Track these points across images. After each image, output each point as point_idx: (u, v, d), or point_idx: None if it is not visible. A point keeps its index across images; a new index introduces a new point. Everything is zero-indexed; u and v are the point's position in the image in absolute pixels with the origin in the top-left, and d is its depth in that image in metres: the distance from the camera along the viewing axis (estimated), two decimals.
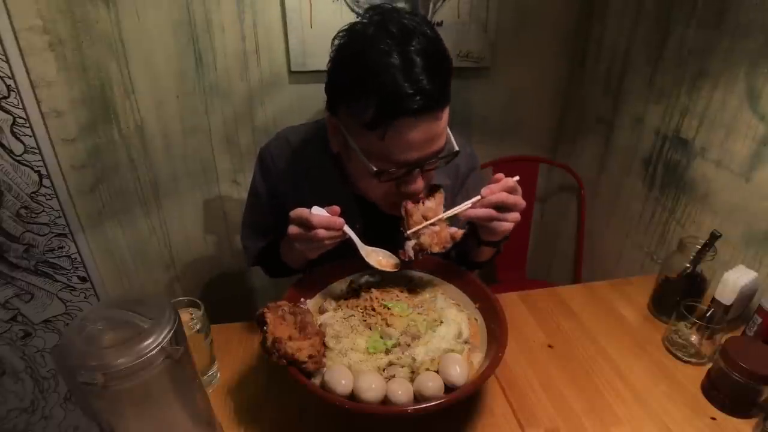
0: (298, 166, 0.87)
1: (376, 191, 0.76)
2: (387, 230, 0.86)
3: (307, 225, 0.68)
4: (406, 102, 0.62)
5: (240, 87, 1.31)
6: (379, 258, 0.79)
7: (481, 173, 1.00)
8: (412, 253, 0.74)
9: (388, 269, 0.78)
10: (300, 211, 0.69)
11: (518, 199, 0.72)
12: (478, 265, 0.99)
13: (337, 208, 0.70)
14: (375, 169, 0.69)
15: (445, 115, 0.68)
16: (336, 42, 0.69)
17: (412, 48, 0.62)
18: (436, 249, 0.73)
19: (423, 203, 0.75)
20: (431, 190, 0.78)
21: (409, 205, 0.74)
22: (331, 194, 0.82)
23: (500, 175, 0.72)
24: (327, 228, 0.68)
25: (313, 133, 0.89)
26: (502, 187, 0.70)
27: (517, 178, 0.73)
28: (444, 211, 0.74)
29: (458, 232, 0.74)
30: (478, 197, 0.71)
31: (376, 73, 0.63)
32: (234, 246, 1.55)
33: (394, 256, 0.79)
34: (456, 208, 0.73)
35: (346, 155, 0.76)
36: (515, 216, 0.72)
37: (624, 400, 0.76)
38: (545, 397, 0.76)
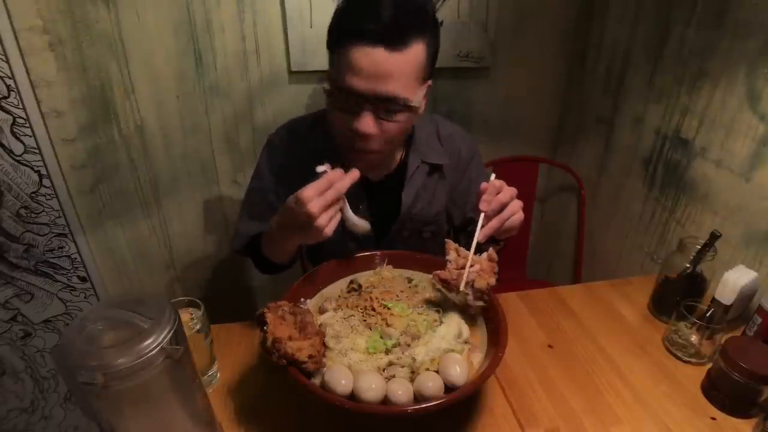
0: (305, 150, 0.90)
1: (335, 128, 0.80)
2: (389, 211, 0.92)
3: (328, 187, 0.68)
4: (359, 24, 0.69)
5: (240, 87, 1.31)
6: (362, 223, 0.79)
7: (481, 161, 1.03)
8: (479, 302, 0.72)
9: (363, 230, 0.79)
10: (314, 184, 0.68)
11: (510, 191, 0.73)
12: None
13: (338, 169, 0.71)
14: (328, 87, 0.75)
15: (406, 61, 0.71)
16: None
17: None
18: (492, 280, 0.71)
19: (448, 266, 0.73)
20: (445, 250, 0.76)
21: (441, 274, 0.72)
22: None
23: (484, 184, 0.72)
24: (336, 190, 0.69)
25: (319, 119, 0.92)
26: (493, 193, 0.72)
27: (493, 176, 0.75)
28: (468, 248, 0.74)
29: (492, 252, 0.74)
30: (482, 216, 0.71)
31: (353, 5, 0.72)
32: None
33: (367, 223, 0.79)
34: (476, 238, 0.71)
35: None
36: (518, 204, 0.74)
37: (624, 400, 0.76)
38: (545, 397, 0.76)
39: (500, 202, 0.71)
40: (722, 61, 1.01)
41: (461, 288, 0.70)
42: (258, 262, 0.95)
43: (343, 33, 0.72)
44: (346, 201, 0.75)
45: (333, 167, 0.71)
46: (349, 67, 0.71)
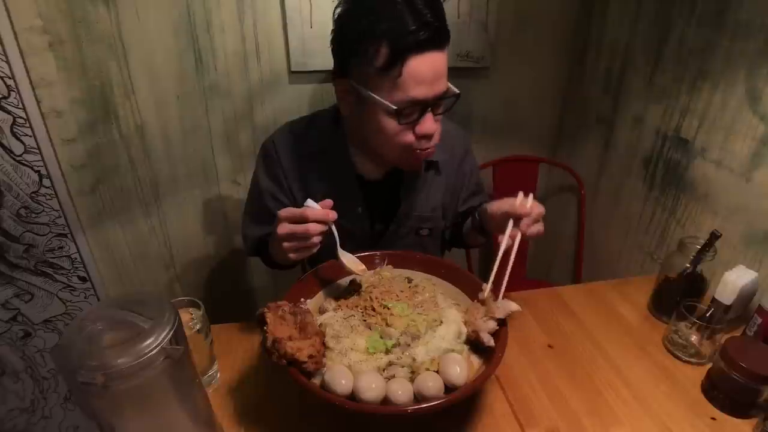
0: (303, 151, 0.90)
1: (394, 141, 0.78)
2: (387, 213, 0.93)
3: (300, 219, 0.69)
4: (414, 36, 0.68)
5: (240, 87, 1.31)
6: (355, 264, 0.79)
7: (473, 155, 1.05)
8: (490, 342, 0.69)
9: (356, 272, 0.79)
10: (291, 210, 0.70)
11: (541, 214, 0.77)
12: (469, 246, 1.08)
13: (329, 201, 0.72)
14: (395, 107, 0.72)
15: (445, 56, 0.73)
16: (338, 10, 0.74)
17: None
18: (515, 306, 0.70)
19: (479, 318, 0.70)
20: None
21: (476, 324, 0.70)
22: (337, 176, 0.89)
23: (521, 206, 0.76)
24: (320, 222, 0.70)
25: (315, 119, 0.93)
26: (535, 219, 0.76)
27: (530, 198, 0.78)
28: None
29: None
30: (515, 229, 0.76)
31: (383, 16, 0.69)
32: (234, 246, 1.55)
33: (361, 264, 0.79)
34: (507, 247, 0.76)
35: (360, 113, 0.79)
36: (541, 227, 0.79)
37: (624, 400, 0.76)
38: (545, 397, 0.76)
39: (539, 234, 0.76)
40: (722, 61, 1.01)
41: (498, 317, 0.68)
42: (266, 260, 0.97)
43: (398, 50, 0.69)
44: (338, 242, 0.76)
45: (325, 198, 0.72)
46: (414, 79, 0.71)
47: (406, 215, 0.95)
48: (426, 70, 0.71)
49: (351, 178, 0.90)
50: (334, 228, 0.74)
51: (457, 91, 0.78)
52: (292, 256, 0.73)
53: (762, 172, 0.94)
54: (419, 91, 0.72)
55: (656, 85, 1.20)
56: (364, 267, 0.79)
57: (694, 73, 1.08)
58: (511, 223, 0.77)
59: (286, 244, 0.71)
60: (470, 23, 1.34)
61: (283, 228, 0.70)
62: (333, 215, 0.71)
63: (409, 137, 0.78)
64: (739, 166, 0.99)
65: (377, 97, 0.73)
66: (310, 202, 0.71)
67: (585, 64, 1.47)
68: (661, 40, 1.16)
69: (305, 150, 0.91)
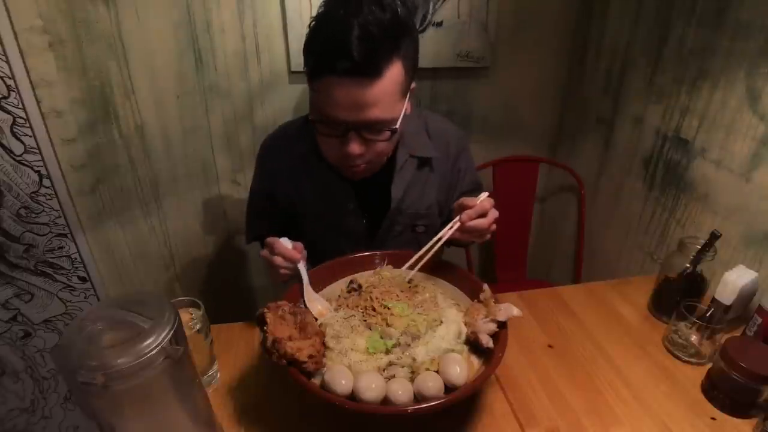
0: (296, 151, 0.93)
1: (328, 150, 0.83)
2: (378, 211, 0.95)
3: (270, 250, 0.78)
4: (332, 61, 0.69)
5: (240, 87, 1.31)
6: (318, 307, 0.76)
7: (470, 154, 1.05)
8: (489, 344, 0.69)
9: (314, 313, 0.75)
10: (272, 239, 0.79)
11: (492, 217, 0.78)
12: (458, 244, 1.08)
13: (300, 245, 0.80)
14: (311, 117, 0.78)
15: (382, 87, 0.72)
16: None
17: (359, 18, 0.68)
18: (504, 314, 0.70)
19: (480, 319, 0.70)
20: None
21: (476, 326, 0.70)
22: (327, 177, 0.91)
23: (473, 201, 0.77)
24: (285, 258, 0.78)
25: (307, 122, 0.93)
26: (479, 213, 0.76)
27: (485, 195, 0.79)
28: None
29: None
30: (457, 220, 0.77)
31: (321, 34, 0.72)
32: (234, 246, 1.55)
33: (326, 307, 0.77)
34: (443, 234, 0.79)
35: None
36: (493, 228, 0.79)
37: (624, 400, 0.76)
38: (545, 397, 0.76)
39: (479, 227, 0.76)
40: (722, 61, 1.01)
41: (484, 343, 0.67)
42: None
43: (317, 68, 0.73)
44: (308, 284, 0.79)
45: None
46: (329, 99, 0.73)
47: (399, 212, 0.96)
48: (341, 96, 0.71)
49: (344, 180, 0.91)
50: (302, 268, 0.79)
51: (395, 126, 0.77)
52: (271, 278, 0.82)
53: (762, 172, 0.94)
54: (335, 112, 0.73)
55: (656, 85, 1.20)
56: (325, 310, 0.76)
57: (694, 73, 1.08)
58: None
59: (265, 265, 0.81)
60: (470, 23, 1.34)
61: (263, 252, 0.80)
62: (297, 257, 0.78)
63: (334, 152, 0.81)
64: (739, 167, 0.99)
65: (310, 104, 0.78)
66: (285, 240, 0.79)
67: (585, 64, 1.47)
68: (661, 40, 1.16)
69: (298, 150, 0.93)
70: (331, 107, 0.73)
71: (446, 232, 0.79)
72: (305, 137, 0.91)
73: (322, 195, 0.94)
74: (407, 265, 0.83)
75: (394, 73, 0.72)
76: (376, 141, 0.79)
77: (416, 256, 0.82)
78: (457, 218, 0.77)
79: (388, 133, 0.78)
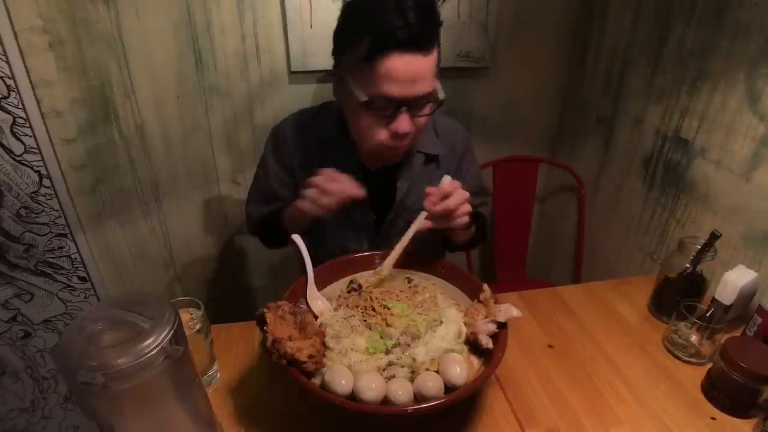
0: (310, 139, 0.94)
1: (368, 134, 0.81)
2: (387, 200, 0.95)
3: (329, 178, 0.77)
4: (395, 33, 0.70)
5: (240, 87, 1.31)
6: (320, 305, 0.77)
7: (474, 155, 1.05)
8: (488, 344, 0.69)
9: (315, 311, 0.77)
10: (336, 173, 0.78)
11: (459, 197, 0.76)
12: (462, 247, 1.06)
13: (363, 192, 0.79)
14: (366, 98, 0.75)
15: (432, 60, 0.74)
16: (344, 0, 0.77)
17: None
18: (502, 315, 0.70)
19: (480, 319, 0.70)
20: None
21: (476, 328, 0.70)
22: (340, 164, 0.90)
23: (432, 189, 0.77)
24: (344, 189, 0.77)
25: (323, 109, 0.96)
26: (441, 196, 0.76)
27: (447, 178, 0.78)
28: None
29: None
30: (425, 213, 0.78)
31: (374, 11, 0.72)
32: (234, 246, 1.55)
33: (327, 308, 0.78)
34: (412, 228, 0.79)
35: (347, 103, 0.82)
36: (465, 209, 0.78)
37: (624, 400, 0.76)
38: (545, 397, 0.76)
39: (446, 208, 0.75)
40: (722, 62, 1.01)
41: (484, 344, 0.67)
42: (265, 239, 1.03)
43: (377, 44, 0.72)
44: (312, 284, 0.78)
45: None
46: (387, 75, 0.72)
47: (403, 206, 0.96)
48: (401, 70, 0.72)
49: (354, 167, 0.91)
50: (302, 246, 0.78)
51: (441, 97, 0.79)
52: (305, 205, 0.78)
53: (762, 172, 0.94)
54: (392, 89, 0.73)
55: (656, 86, 1.20)
56: (326, 309, 0.77)
57: (694, 73, 1.08)
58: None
59: (309, 192, 0.78)
60: (470, 24, 1.34)
61: (317, 178, 0.78)
62: (360, 193, 0.77)
63: (382, 134, 0.79)
64: (739, 167, 0.99)
65: (355, 88, 0.76)
66: (296, 237, 0.79)
67: (585, 64, 1.47)
68: (661, 41, 1.16)
69: (312, 138, 0.94)
70: (389, 84, 0.73)
71: (415, 223, 0.79)
72: (320, 126, 0.93)
73: None
74: (387, 261, 0.82)
75: (436, 51, 0.76)
76: (421, 116, 0.80)
77: (393, 253, 0.81)
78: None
79: (431, 108, 0.79)
